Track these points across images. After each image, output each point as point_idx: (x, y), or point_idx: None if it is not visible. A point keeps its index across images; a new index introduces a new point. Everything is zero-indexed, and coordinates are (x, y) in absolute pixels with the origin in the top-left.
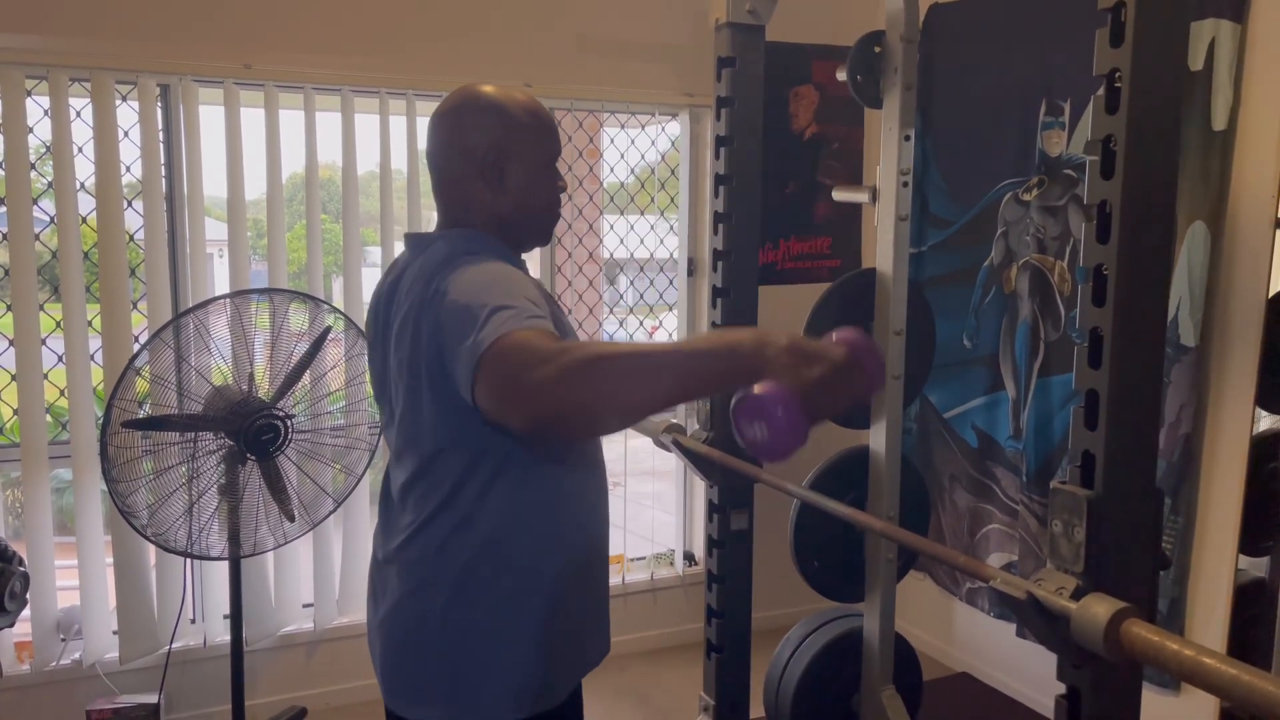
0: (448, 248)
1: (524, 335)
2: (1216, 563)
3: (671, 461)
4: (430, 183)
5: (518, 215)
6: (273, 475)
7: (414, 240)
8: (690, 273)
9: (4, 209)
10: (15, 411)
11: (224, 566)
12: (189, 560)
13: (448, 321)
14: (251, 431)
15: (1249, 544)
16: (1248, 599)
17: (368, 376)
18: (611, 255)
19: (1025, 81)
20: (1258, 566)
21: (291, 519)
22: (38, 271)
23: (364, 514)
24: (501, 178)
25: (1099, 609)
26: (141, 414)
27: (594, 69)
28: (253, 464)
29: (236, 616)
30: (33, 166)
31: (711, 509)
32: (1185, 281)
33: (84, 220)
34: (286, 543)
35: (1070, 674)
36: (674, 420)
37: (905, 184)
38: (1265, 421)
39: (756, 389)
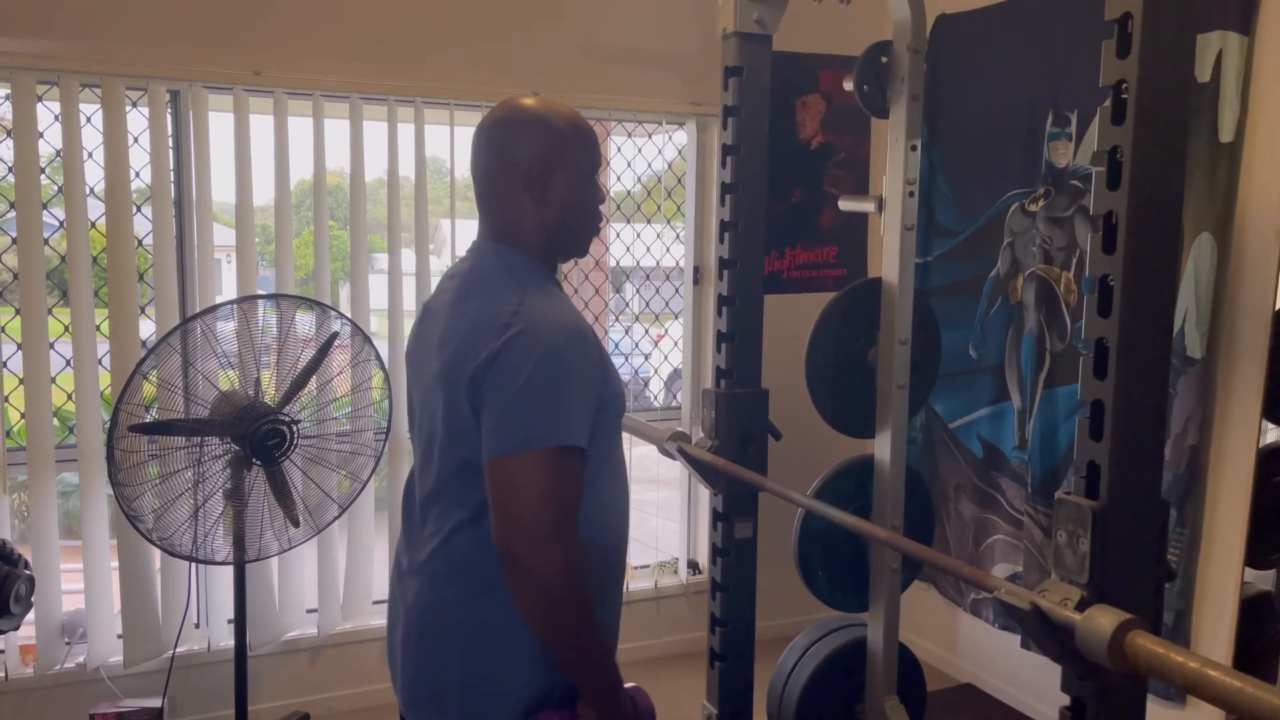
0: (504, 265)
1: (547, 477)
2: (1222, 575)
3: (676, 469)
4: (475, 193)
5: (560, 227)
6: (278, 480)
7: (471, 248)
8: (696, 281)
9: (14, 214)
10: (23, 415)
11: (228, 571)
12: (193, 564)
13: (503, 372)
14: (257, 437)
15: (1255, 557)
16: (1253, 612)
17: (373, 383)
18: (618, 263)
19: (1032, 92)
20: (1264, 579)
21: (296, 524)
22: (47, 276)
23: (369, 520)
24: (546, 190)
25: (1103, 620)
26: (148, 418)
27: (601, 77)
28: (258, 469)
29: (240, 621)
30: (43, 171)
31: (716, 517)
32: (1192, 293)
33: (93, 225)
34: (291, 548)
35: (1074, 685)
36: (679, 428)
37: (911, 194)
38: (1271, 434)
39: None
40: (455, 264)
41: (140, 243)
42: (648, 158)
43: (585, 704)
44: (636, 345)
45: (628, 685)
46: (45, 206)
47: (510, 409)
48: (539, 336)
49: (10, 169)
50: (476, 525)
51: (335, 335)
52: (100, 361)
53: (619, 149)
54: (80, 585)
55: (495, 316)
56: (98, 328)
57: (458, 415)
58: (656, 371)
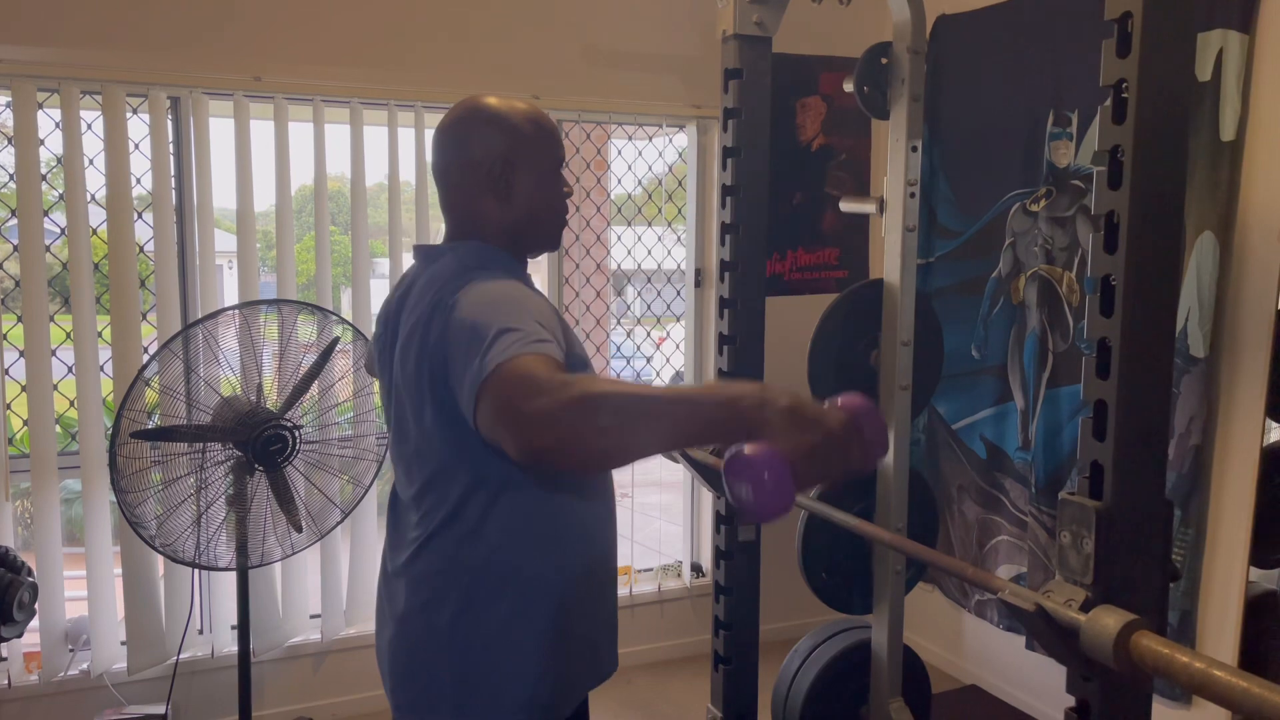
0: (457, 261)
1: (528, 362)
2: (1227, 575)
3: (679, 473)
4: (438, 196)
5: (527, 224)
6: (280, 486)
7: (423, 252)
8: (697, 284)
9: (15, 221)
10: (25, 422)
11: (232, 577)
12: (197, 571)
13: (455, 338)
14: (259, 442)
15: (1260, 556)
16: (1259, 611)
17: (375, 388)
18: (619, 266)
19: (1032, 92)
20: (1269, 579)
21: (299, 530)
22: (48, 283)
23: (371, 525)
24: (509, 189)
25: (1108, 621)
26: (150, 425)
27: (602, 81)
28: (261, 475)
29: (244, 627)
30: (44, 179)
31: (719, 520)
32: (1194, 292)
33: (94, 232)
34: (294, 553)
35: (1080, 686)
36: None
37: (912, 195)
38: (1275, 433)
39: (748, 449)
40: (411, 268)
41: (141, 249)
42: (648, 160)
43: (762, 439)
44: (638, 348)
45: (836, 399)
46: (46, 213)
47: (469, 354)
48: (475, 292)
49: (11, 176)
50: (458, 523)
51: (337, 340)
52: (102, 368)
53: (619, 152)
54: (84, 592)
55: (441, 300)
56: (99, 334)
57: (426, 412)
58: (658, 374)
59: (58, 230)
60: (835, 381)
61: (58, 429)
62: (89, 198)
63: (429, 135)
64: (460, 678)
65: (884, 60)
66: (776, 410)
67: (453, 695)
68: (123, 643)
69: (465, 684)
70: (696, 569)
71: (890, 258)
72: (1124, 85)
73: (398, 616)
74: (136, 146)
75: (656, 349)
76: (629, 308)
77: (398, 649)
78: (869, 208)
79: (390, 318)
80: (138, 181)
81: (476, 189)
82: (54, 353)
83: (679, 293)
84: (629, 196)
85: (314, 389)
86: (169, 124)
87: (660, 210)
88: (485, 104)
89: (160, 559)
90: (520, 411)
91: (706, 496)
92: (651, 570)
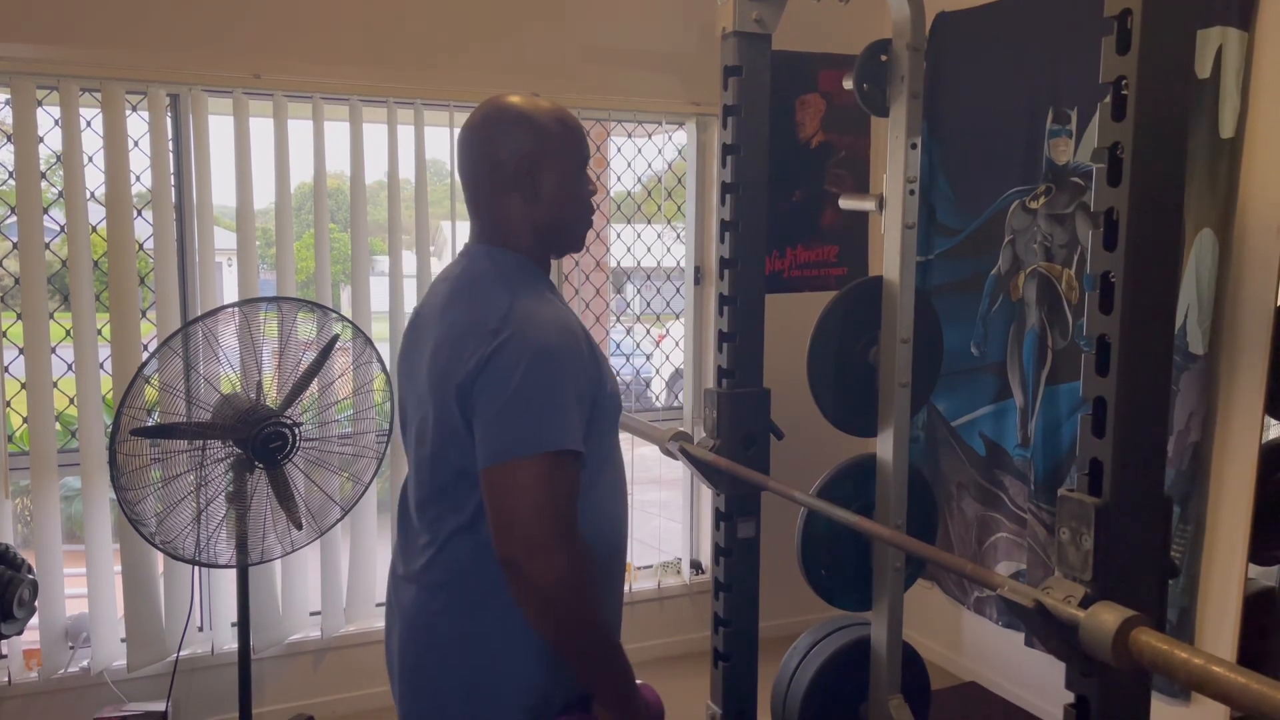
0: (494, 267)
1: (552, 484)
2: (1226, 572)
3: (678, 469)
4: (464, 195)
5: (554, 224)
6: (280, 483)
7: (463, 250)
8: (697, 281)
9: (15, 218)
10: (25, 420)
11: (231, 574)
12: (197, 568)
13: (496, 372)
14: (259, 439)
15: (1259, 553)
16: (1258, 608)
17: (375, 385)
18: (619, 264)
19: (1032, 89)
20: (1267, 575)
21: (299, 527)
22: (48, 280)
23: (371, 522)
24: (536, 188)
25: (1107, 617)
26: (150, 422)
27: (601, 78)
28: (260, 472)
29: (244, 624)
30: (43, 176)
31: (718, 517)
32: (1194, 289)
33: (94, 229)
34: (294, 550)
35: (1079, 683)
36: (681, 428)
37: (912, 192)
38: (1274, 430)
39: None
40: (446, 268)
41: (141, 246)
42: (648, 158)
43: (600, 706)
44: (638, 346)
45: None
46: (46, 211)
47: (502, 415)
48: (528, 340)
49: (11, 174)
50: (472, 532)
51: (336, 338)
52: (102, 365)
53: (619, 149)
54: (83, 589)
55: (484, 321)
56: (99, 332)
57: (449, 422)
58: (658, 372)
59: (57, 228)
60: (835, 378)
61: (57, 426)
62: (88, 195)
63: (429, 132)
64: (469, 685)
65: (883, 57)
66: (626, 710)
67: (461, 702)
68: (123, 640)
69: (474, 692)
70: (696, 566)
71: (889, 255)
72: (1123, 82)
73: (409, 621)
74: (136, 144)
75: (656, 346)
76: (629, 305)
77: (408, 653)
78: (868, 205)
79: (424, 318)
80: (137, 179)
81: (503, 188)
82: (54, 350)
83: (678, 290)
84: (628, 194)
85: (314, 386)
86: (168, 121)
87: (660, 207)
88: (511, 104)
89: (160, 556)
90: (514, 543)
91: (706, 493)
92: (651, 567)
